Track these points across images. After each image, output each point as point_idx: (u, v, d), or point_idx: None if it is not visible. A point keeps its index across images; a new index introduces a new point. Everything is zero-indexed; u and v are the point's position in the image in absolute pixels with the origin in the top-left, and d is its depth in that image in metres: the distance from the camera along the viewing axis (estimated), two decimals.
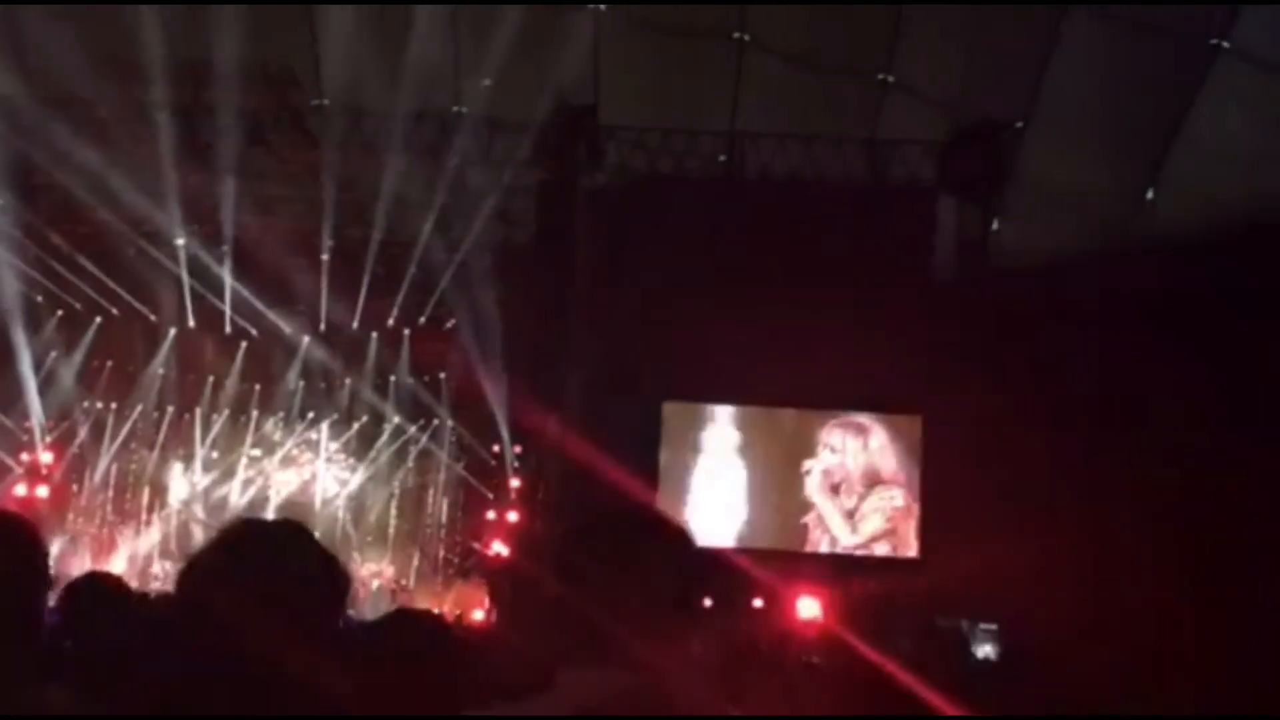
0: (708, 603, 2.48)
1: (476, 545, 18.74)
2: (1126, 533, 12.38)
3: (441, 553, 20.50)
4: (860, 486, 16.40)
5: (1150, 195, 15.65)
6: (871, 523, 16.33)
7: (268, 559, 2.05)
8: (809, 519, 16.33)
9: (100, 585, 3.61)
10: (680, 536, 2.48)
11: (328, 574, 2.09)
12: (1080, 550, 12.03)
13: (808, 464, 16.37)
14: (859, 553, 16.24)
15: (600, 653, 2.26)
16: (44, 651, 2.72)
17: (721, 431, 16.68)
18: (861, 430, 16.47)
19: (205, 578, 2.04)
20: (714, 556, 2.57)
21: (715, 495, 16.47)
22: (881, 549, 16.26)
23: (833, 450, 16.43)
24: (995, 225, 16.37)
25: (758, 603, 14.09)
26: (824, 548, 16.23)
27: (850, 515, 16.34)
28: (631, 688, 2.21)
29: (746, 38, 15.51)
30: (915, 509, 16.25)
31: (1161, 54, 14.54)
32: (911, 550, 16.21)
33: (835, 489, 16.39)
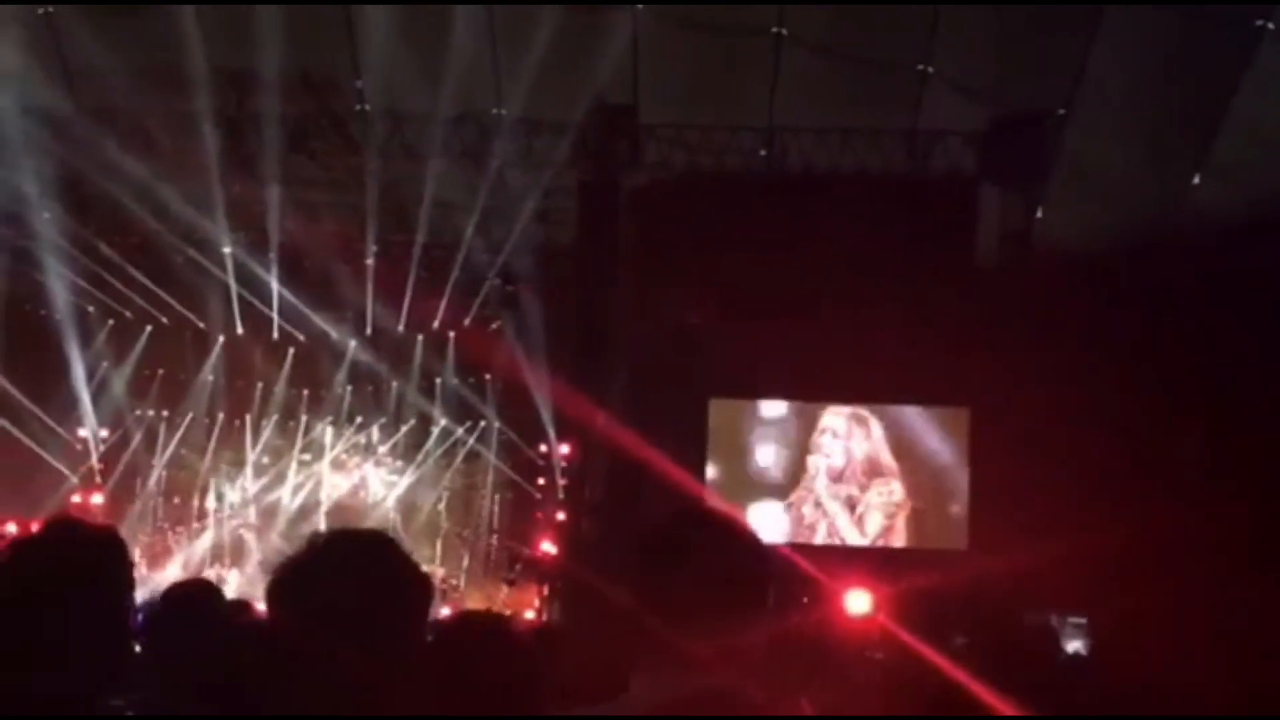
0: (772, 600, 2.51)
1: (525, 550, 18.80)
2: (1181, 519, 12.28)
3: (492, 553, 20.60)
4: (862, 475, 16.40)
5: (1196, 180, 15.51)
6: (874, 520, 16.33)
7: (357, 569, 2.09)
8: (815, 516, 16.32)
9: (198, 593, 3.67)
10: (746, 535, 2.51)
11: (414, 583, 2.14)
12: (1141, 540, 11.92)
13: (812, 464, 16.38)
14: (888, 545, 16.25)
15: (671, 656, 2.28)
16: (132, 656, 2.78)
17: (768, 427, 16.68)
18: (862, 420, 16.48)
19: (297, 589, 2.08)
20: (776, 553, 2.59)
21: (762, 491, 16.48)
22: (879, 544, 16.26)
23: (834, 435, 16.44)
24: (1039, 214, 16.27)
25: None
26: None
27: (852, 508, 16.32)
28: (704, 690, 2.24)
29: (784, 32, 15.47)
30: (909, 503, 16.28)
31: (1205, 37, 14.39)
32: (900, 544, 16.23)
33: (838, 477, 16.39)
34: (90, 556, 2.30)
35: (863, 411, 16.48)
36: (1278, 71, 14.21)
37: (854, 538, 16.27)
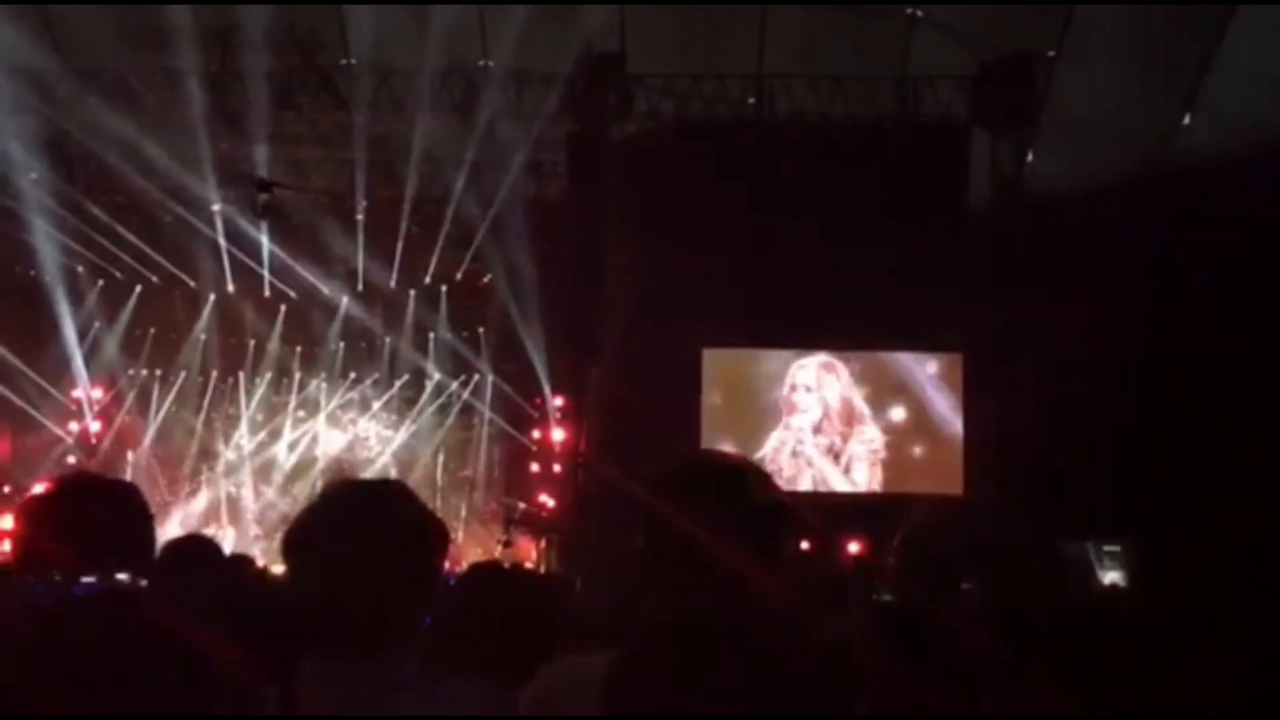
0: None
1: (519, 506, 18.83)
2: (1175, 461, 12.35)
3: (491, 505, 20.65)
4: (840, 424, 16.42)
5: (1186, 120, 15.48)
6: (859, 471, 16.35)
7: (373, 518, 2.11)
8: (796, 467, 16.32)
9: (199, 547, 3.71)
10: (757, 481, 2.52)
11: (431, 529, 2.16)
12: (1137, 481, 11.98)
13: (793, 421, 16.39)
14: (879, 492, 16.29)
15: (680, 603, 2.30)
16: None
17: (764, 375, 16.70)
18: (830, 366, 16.49)
19: (314, 540, 2.10)
20: (788, 500, 2.62)
21: (759, 439, 16.52)
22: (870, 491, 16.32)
23: (807, 389, 16.44)
24: (1030, 157, 16.25)
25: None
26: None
27: (836, 457, 16.34)
28: (708, 614, 2.25)
29: None
30: (885, 445, 16.30)
31: None
32: (878, 485, 16.30)
33: (816, 429, 16.41)
34: (111, 507, 2.32)
35: (827, 358, 16.48)
36: (1266, 9, 14.16)
37: (842, 486, 16.29)
